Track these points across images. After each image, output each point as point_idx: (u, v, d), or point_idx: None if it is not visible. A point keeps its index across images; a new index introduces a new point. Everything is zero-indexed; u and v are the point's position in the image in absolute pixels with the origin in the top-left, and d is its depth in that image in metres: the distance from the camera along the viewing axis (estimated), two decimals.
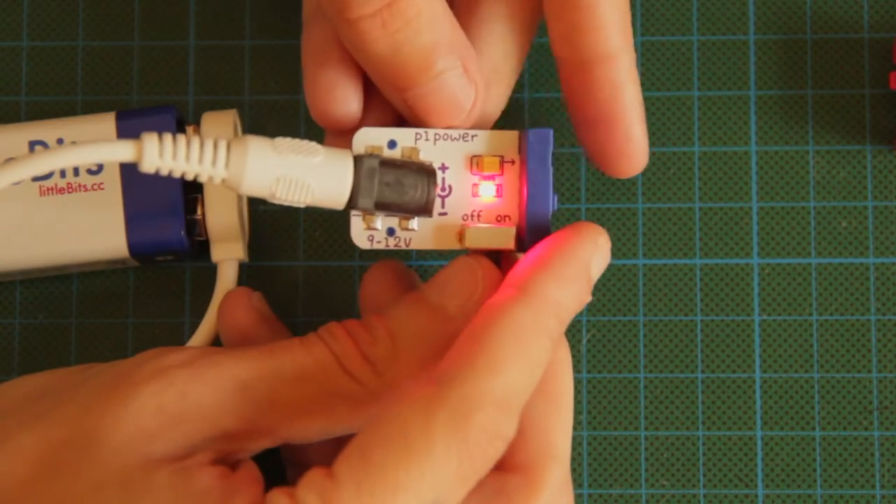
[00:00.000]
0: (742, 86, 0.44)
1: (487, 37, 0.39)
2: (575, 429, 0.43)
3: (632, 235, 0.44)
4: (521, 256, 0.37)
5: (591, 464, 0.43)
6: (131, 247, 0.41)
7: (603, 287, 0.44)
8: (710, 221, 0.44)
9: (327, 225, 0.44)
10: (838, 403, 0.43)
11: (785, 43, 0.45)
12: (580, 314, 0.44)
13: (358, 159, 0.37)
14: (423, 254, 0.44)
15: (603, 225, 0.44)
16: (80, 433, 0.35)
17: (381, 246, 0.38)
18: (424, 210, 0.37)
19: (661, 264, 0.44)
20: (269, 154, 0.36)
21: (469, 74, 0.37)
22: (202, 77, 0.45)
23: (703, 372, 0.43)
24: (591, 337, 0.44)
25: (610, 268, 0.44)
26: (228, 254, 0.42)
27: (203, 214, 0.42)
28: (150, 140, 0.35)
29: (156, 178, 0.39)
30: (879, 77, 0.44)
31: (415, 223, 0.38)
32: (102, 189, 0.41)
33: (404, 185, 0.37)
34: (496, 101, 0.39)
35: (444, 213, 0.38)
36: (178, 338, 0.43)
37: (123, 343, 0.44)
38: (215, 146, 0.36)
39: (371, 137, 0.37)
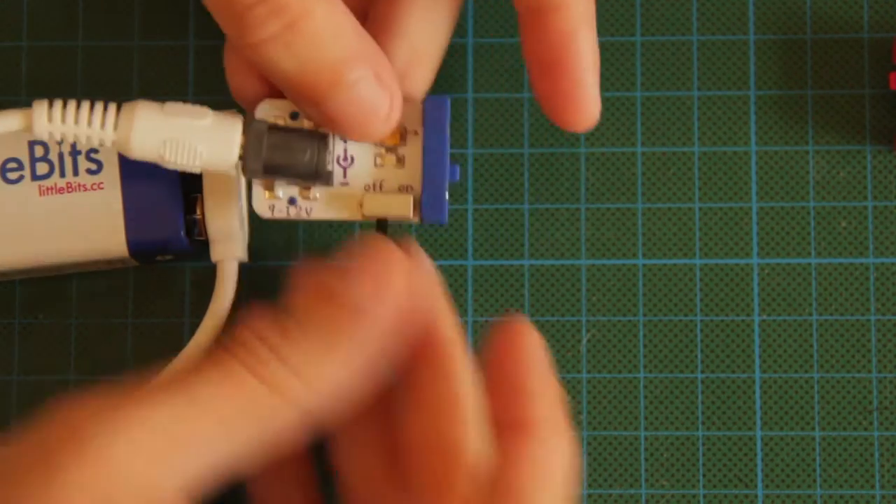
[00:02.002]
0: (742, 86, 0.44)
1: (407, 18, 0.39)
2: (575, 428, 0.43)
3: (632, 235, 0.44)
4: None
5: (590, 464, 0.43)
6: (131, 246, 0.41)
7: (603, 287, 0.44)
8: (710, 221, 0.44)
9: (327, 224, 0.44)
10: (838, 404, 0.43)
11: (785, 43, 0.45)
12: (580, 314, 0.44)
13: (247, 122, 0.38)
14: None
15: (603, 225, 0.44)
16: None
17: (282, 215, 0.39)
18: (316, 175, 0.38)
19: (660, 264, 0.44)
20: (157, 116, 0.37)
21: (382, 82, 0.37)
22: (202, 77, 0.45)
23: (702, 372, 0.43)
24: (590, 337, 0.44)
25: (610, 268, 0.44)
26: (228, 253, 0.42)
27: (203, 214, 0.42)
28: (40, 106, 0.36)
29: (155, 177, 0.40)
30: (879, 77, 0.44)
31: (316, 193, 0.38)
32: (102, 189, 0.41)
33: (293, 149, 0.38)
34: (420, 81, 0.39)
35: (346, 183, 0.39)
36: (177, 338, 0.43)
37: (123, 343, 0.44)
38: (105, 110, 0.37)
39: (274, 109, 0.38)
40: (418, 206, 0.38)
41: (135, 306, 0.44)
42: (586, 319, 0.44)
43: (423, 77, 0.40)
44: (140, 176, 0.41)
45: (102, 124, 0.37)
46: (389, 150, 0.39)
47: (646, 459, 0.43)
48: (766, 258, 0.44)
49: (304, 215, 0.39)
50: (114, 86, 0.44)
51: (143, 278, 0.44)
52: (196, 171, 0.38)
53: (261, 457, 0.35)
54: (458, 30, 0.44)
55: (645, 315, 0.44)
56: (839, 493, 0.43)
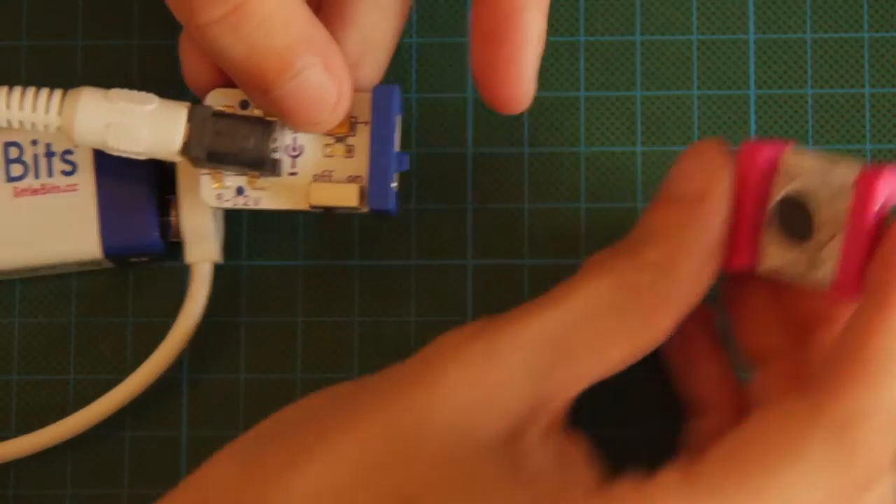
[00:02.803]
0: (742, 85, 0.44)
1: (359, 7, 0.39)
2: (574, 428, 0.43)
3: None
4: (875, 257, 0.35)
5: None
6: (106, 249, 0.41)
7: None
8: None
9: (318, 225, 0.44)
10: None
11: (785, 43, 0.45)
12: None
13: (192, 109, 0.38)
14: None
15: (603, 224, 0.44)
16: (396, 427, 0.34)
17: (230, 205, 0.39)
18: (261, 163, 0.38)
19: None
20: (101, 102, 0.38)
21: (331, 71, 0.37)
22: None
23: None
24: None
25: None
26: (202, 256, 0.42)
27: (177, 216, 0.41)
28: None
29: (130, 179, 0.40)
30: (879, 77, 0.44)
31: (264, 182, 0.38)
32: (76, 191, 0.41)
33: (237, 136, 0.38)
34: (371, 71, 0.39)
35: (295, 173, 0.39)
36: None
37: (123, 343, 0.44)
38: (49, 95, 0.38)
39: (225, 97, 0.38)
40: (366, 195, 0.38)
41: (134, 306, 0.44)
42: None
43: (374, 66, 0.39)
44: (115, 177, 0.41)
45: (47, 109, 0.38)
46: (339, 139, 0.39)
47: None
48: None
49: (251, 205, 0.39)
50: (114, 85, 0.44)
51: (142, 278, 0.44)
52: (140, 157, 0.38)
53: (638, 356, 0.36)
54: (458, 29, 0.44)
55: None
56: None
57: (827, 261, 0.36)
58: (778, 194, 0.37)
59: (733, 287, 0.40)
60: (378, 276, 0.44)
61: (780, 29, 0.45)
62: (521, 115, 0.44)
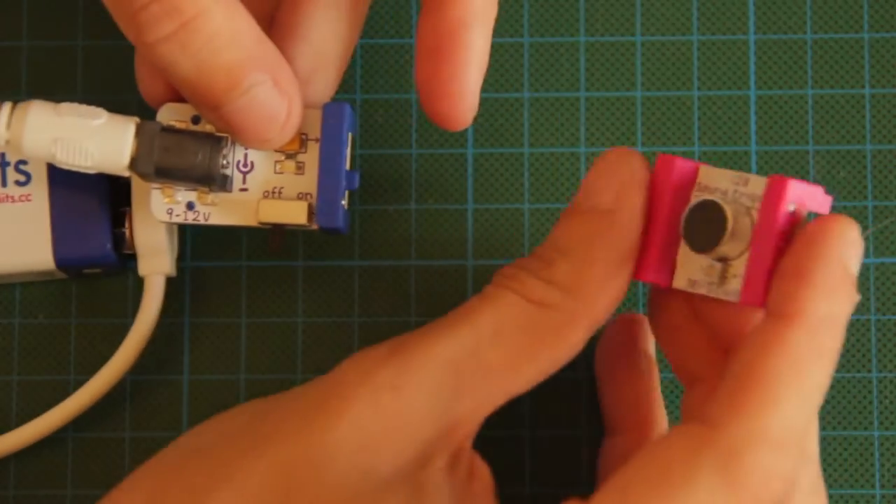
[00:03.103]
0: (742, 85, 0.44)
1: (310, 23, 0.39)
2: (575, 428, 0.43)
3: None
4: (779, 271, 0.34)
5: (590, 463, 0.43)
6: (58, 260, 0.41)
7: None
8: None
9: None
10: (838, 403, 0.43)
11: (785, 43, 0.45)
12: None
13: (140, 125, 0.38)
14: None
15: None
16: (303, 455, 0.34)
17: (180, 220, 0.39)
18: (209, 178, 0.38)
19: None
20: (50, 115, 0.38)
21: (280, 87, 0.37)
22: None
23: None
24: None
25: None
26: (154, 268, 0.42)
27: (130, 228, 0.41)
28: None
29: (84, 190, 0.40)
30: (879, 77, 0.44)
31: (214, 198, 0.38)
32: (30, 201, 0.41)
33: (186, 151, 0.38)
34: (322, 87, 0.39)
35: (245, 189, 0.39)
36: (177, 340, 0.43)
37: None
38: None
39: (176, 112, 0.39)
40: (315, 213, 0.38)
41: (134, 307, 0.44)
42: None
43: (325, 83, 0.39)
44: (69, 189, 0.41)
45: None
46: (289, 156, 0.39)
47: None
48: None
49: (201, 220, 0.39)
50: (114, 85, 0.44)
51: (142, 279, 0.44)
52: (89, 171, 0.38)
53: (545, 376, 0.35)
54: None
55: (645, 314, 0.44)
56: (839, 492, 0.43)
57: (738, 273, 0.35)
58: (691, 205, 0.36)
59: (658, 304, 0.39)
60: (377, 276, 0.44)
61: (780, 29, 0.45)
62: (522, 115, 0.44)
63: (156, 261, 0.42)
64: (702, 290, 0.36)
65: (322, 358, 0.43)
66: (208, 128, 0.38)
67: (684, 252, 0.36)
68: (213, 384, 0.43)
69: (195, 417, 0.43)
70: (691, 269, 0.36)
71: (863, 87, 0.44)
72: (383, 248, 0.44)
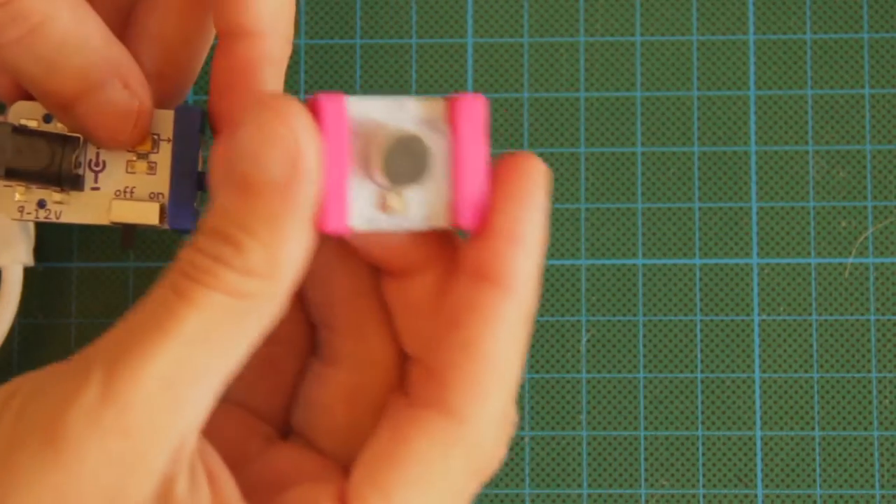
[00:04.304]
0: (742, 86, 0.44)
1: (162, 25, 0.39)
2: (574, 429, 0.43)
3: (631, 235, 0.44)
4: (482, 233, 0.34)
5: (590, 464, 0.43)
6: None
7: (603, 287, 0.44)
8: (710, 221, 0.44)
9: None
10: (838, 403, 0.43)
11: (785, 43, 0.45)
12: (580, 314, 0.44)
13: None
14: None
15: (603, 225, 0.44)
16: None
17: (32, 217, 0.39)
18: (61, 179, 0.38)
19: (660, 264, 0.44)
20: None
21: (131, 89, 0.37)
22: (202, 77, 0.45)
23: (702, 372, 0.43)
24: (590, 337, 0.44)
25: (609, 268, 0.44)
26: (11, 258, 0.42)
27: None
28: None
29: None
30: (879, 77, 0.44)
31: (65, 196, 0.39)
32: None
33: (37, 153, 0.38)
34: (174, 89, 0.40)
35: (97, 188, 0.39)
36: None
37: None
38: None
39: (28, 111, 0.39)
40: (166, 213, 0.39)
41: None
42: (586, 319, 0.44)
43: (177, 84, 0.40)
44: None
45: None
46: (141, 156, 0.39)
47: (646, 459, 0.43)
48: (765, 258, 0.44)
49: (53, 218, 0.39)
50: None
51: (142, 278, 0.44)
52: None
53: (250, 354, 0.34)
54: (458, 29, 0.44)
55: (645, 315, 0.44)
56: (839, 492, 0.43)
57: (421, 199, 0.34)
58: (375, 143, 0.34)
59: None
60: None
61: (780, 29, 0.45)
62: (522, 115, 0.44)
63: (11, 251, 0.41)
64: (383, 226, 0.35)
65: None
66: (59, 126, 0.39)
67: (361, 194, 0.35)
68: None
69: None
70: (363, 207, 0.35)
71: (862, 87, 0.44)
72: None
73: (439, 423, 0.34)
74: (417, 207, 0.35)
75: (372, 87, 0.44)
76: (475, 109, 0.34)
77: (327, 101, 0.34)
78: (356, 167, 0.35)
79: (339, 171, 0.34)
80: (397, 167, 0.34)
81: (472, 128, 0.35)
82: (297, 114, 0.33)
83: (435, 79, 0.44)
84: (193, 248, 0.33)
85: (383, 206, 0.34)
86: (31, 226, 0.42)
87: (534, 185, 0.34)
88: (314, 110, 0.34)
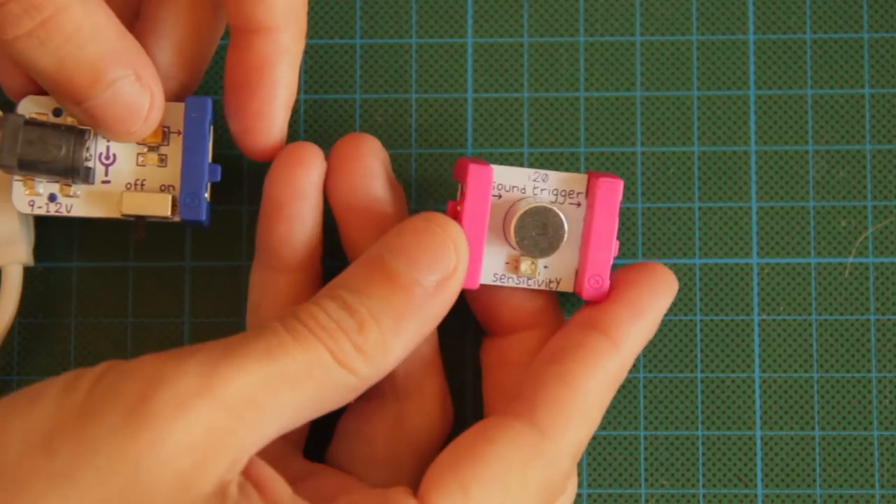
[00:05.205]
0: (742, 86, 0.44)
1: (173, 19, 0.40)
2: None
3: (632, 235, 0.44)
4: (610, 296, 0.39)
5: (590, 464, 0.43)
6: None
7: None
8: (710, 221, 0.44)
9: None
10: (838, 403, 0.43)
11: (785, 43, 0.45)
12: None
13: (3, 117, 0.38)
14: None
15: None
16: (119, 495, 0.33)
17: (42, 211, 0.39)
18: (73, 171, 0.38)
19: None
20: None
21: (142, 81, 0.37)
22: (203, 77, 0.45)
23: (702, 372, 0.43)
24: None
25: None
26: (11, 258, 0.42)
27: None
28: None
29: None
30: (879, 77, 0.44)
31: (77, 189, 0.39)
32: None
33: (48, 144, 0.38)
34: (184, 81, 0.40)
35: (108, 181, 0.39)
36: (177, 338, 0.43)
37: (123, 343, 0.44)
38: None
39: (38, 105, 0.39)
40: (178, 205, 0.39)
41: (134, 306, 0.44)
42: None
43: (187, 77, 0.40)
44: None
45: None
46: (152, 149, 0.39)
47: (645, 459, 0.43)
48: (765, 258, 0.44)
49: (63, 212, 0.39)
50: None
51: (142, 278, 0.44)
52: None
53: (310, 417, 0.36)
54: (458, 29, 0.44)
55: None
56: (839, 492, 0.43)
57: (550, 264, 0.39)
58: (516, 210, 0.38)
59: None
60: None
61: (780, 29, 0.45)
62: (522, 115, 0.44)
63: (11, 250, 0.42)
64: (511, 283, 0.39)
65: None
66: (70, 120, 0.39)
67: (489, 250, 0.39)
68: None
69: None
70: (495, 267, 0.39)
71: (862, 87, 0.44)
72: None
73: (525, 431, 0.37)
74: (545, 272, 0.39)
75: (372, 86, 0.44)
76: (614, 191, 0.39)
77: (475, 169, 0.38)
78: (494, 231, 0.39)
79: (477, 235, 0.38)
80: (534, 237, 0.38)
81: (608, 207, 0.39)
82: (456, 226, 0.37)
83: (435, 79, 0.44)
84: (317, 306, 0.36)
85: (515, 269, 0.38)
86: (31, 226, 0.42)
87: (667, 285, 0.39)
88: (461, 174, 0.38)
